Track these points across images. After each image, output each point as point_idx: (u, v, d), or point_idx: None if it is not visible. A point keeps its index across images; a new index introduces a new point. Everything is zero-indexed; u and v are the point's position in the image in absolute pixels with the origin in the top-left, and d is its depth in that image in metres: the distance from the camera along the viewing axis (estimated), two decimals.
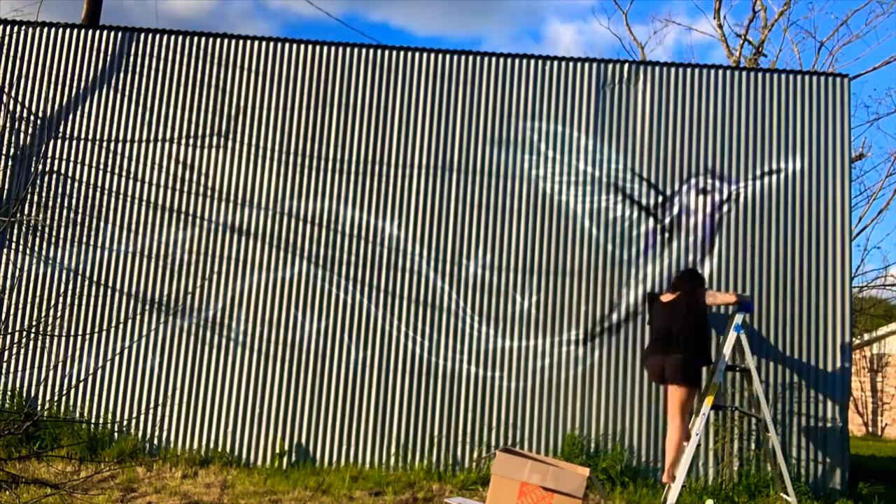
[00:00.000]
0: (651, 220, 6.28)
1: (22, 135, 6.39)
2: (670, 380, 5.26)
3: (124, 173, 6.39)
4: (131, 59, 6.56)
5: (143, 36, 6.60)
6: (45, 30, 6.60)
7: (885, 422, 15.91)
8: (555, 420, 5.98)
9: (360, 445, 5.99)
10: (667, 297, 5.57)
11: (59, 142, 6.41)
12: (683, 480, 5.15)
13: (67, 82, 6.52)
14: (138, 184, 6.37)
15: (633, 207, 6.28)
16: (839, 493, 5.81)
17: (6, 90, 6.42)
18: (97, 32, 6.62)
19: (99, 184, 6.37)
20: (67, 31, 6.61)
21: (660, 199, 6.30)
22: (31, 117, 6.43)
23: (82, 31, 6.63)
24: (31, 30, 6.57)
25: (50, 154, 6.37)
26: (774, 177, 6.32)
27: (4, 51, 6.55)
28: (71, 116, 6.47)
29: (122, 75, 6.54)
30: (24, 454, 4.60)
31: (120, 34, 6.60)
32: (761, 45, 16.00)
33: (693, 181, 6.32)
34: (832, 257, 6.19)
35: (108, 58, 6.58)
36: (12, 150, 6.37)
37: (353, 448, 5.99)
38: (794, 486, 5.69)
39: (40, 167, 5.97)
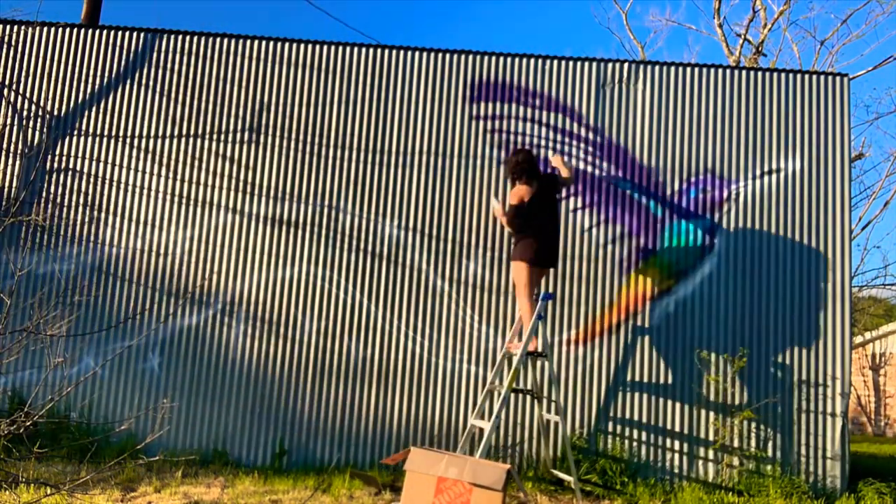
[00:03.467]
0: (651, 220, 6.27)
1: (26, 133, 6.38)
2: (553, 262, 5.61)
3: (124, 173, 6.39)
4: (131, 59, 6.56)
5: (142, 36, 6.60)
6: (45, 29, 6.60)
7: (885, 420, 15.90)
8: (554, 420, 5.97)
9: (360, 445, 5.99)
10: (529, 187, 5.56)
11: (60, 140, 6.41)
12: (482, 457, 4.93)
13: (70, 82, 6.51)
14: (138, 184, 6.37)
15: (632, 207, 6.28)
16: (839, 493, 5.81)
17: (12, 87, 6.42)
18: (97, 32, 6.62)
19: (99, 183, 6.37)
20: (68, 30, 6.61)
21: (660, 198, 6.31)
22: (37, 115, 6.43)
23: (88, 31, 6.63)
24: (36, 29, 6.56)
25: (53, 153, 6.37)
26: (774, 176, 6.32)
27: (13, 50, 6.54)
28: (71, 116, 6.47)
29: (121, 75, 6.54)
30: (24, 454, 4.60)
31: (119, 34, 6.60)
32: (761, 44, 15.99)
33: (693, 181, 6.32)
34: (832, 257, 6.19)
35: (108, 58, 6.57)
36: (19, 147, 6.36)
37: (353, 448, 5.99)
38: (795, 484, 5.71)
39: (38, 165, 5.95)
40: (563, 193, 6.25)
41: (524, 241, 5.54)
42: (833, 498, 5.74)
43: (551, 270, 6.13)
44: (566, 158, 6.31)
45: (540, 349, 5.39)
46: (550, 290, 6.15)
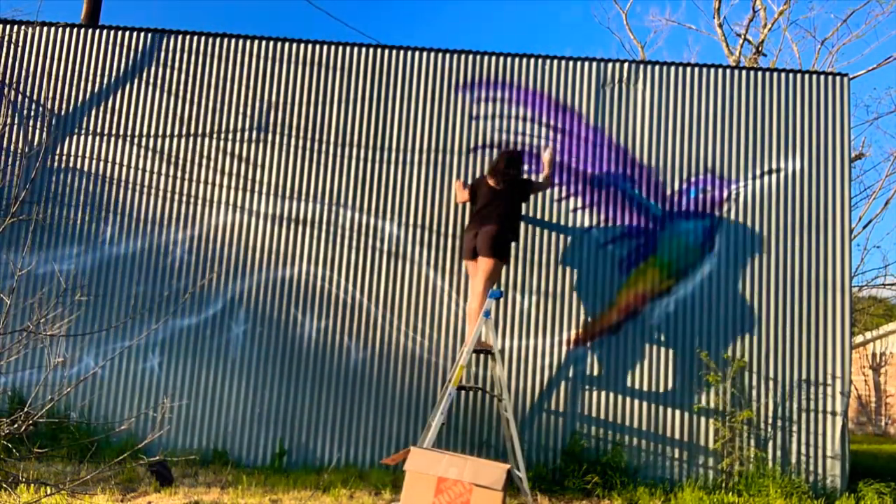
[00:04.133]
0: (651, 220, 6.27)
1: (27, 132, 6.39)
2: (482, 252, 5.51)
3: (123, 172, 6.39)
4: (131, 58, 6.56)
5: (143, 35, 6.60)
6: (46, 29, 6.60)
7: (885, 420, 15.90)
8: (554, 420, 5.98)
9: (360, 445, 5.99)
10: (492, 182, 5.71)
11: (61, 140, 6.42)
12: (430, 446, 4.90)
13: (70, 82, 6.52)
14: (138, 183, 6.37)
15: (632, 207, 6.28)
16: (839, 493, 5.81)
17: (12, 87, 6.42)
18: (97, 32, 6.62)
19: (99, 182, 6.38)
20: (69, 30, 6.61)
21: (660, 198, 6.30)
22: (37, 115, 6.43)
23: (88, 31, 6.63)
24: (36, 29, 6.56)
25: (53, 152, 6.37)
26: (774, 176, 6.32)
27: (13, 50, 6.55)
28: (71, 115, 6.47)
29: (121, 74, 6.54)
30: (24, 454, 4.60)
31: (120, 34, 6.61)
32: (761, 44, 15.99)
33: (693, 181, 6.32)
34: (832, 256, 6.19)
35: (109, 57, 6.57)
36: (19, 147, 6.37)
37: (353, 447, 5.99)
38: (795, 484, 5.71)
39: (38, 165, 5.95)
40: (551, 193, 6.26)
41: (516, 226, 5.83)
42: (833, 498, 5.74)
43: (551, 271, 6.14)
44: (567, 157, 6.31)
45: (490, 347, 5.42)
46: (550, 289, 6.15)
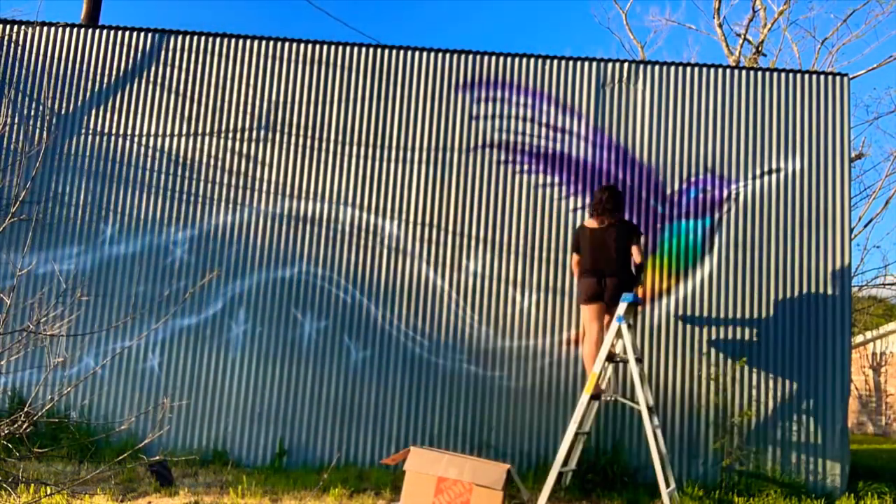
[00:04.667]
0: (651, 220, 6.27)
1: (27, 132, 6.39)
2: (613, 301, 5.34)
3: (124, 172, 6.39)
4: (131, 58, 6.56)
5: (142, 35, 6.60)
6: (46, 29, 6.60)
7: (885, 420, 15.90)
8: (554, 420, 5.98)
9: (359, 445, 5.99)
10: (594, 224, 5.53)
11: (61, 139, 6.42)
12: (560, 468, 4.95)
13: (70, 82, 6.52)
14: (138, 183, 6.38)
15: (632, 207, 6.28)
16: (839, 493, 5.80)
17: (12, 86, 6.42)
18: (98, 32, 6.62)
19: (99, 182, 6.38)
20: (69, 30, 6.61)
21: (659, 198, 6.30)
22: (37, 114, 6.43)
23: (88, 31, 6.63)
24: (36, 29, 6.56)
25: (54, 152, 6.37)
26: (774, 176, 6.32)
27: (13, 50, 6.55)
28: (71, 115, 6.47)
29: (122, 74, 6.54)
30: (24, 454, 4.59)
31: (121, 34, 6.61)
32: (761, 44, 15.99)
33: (693, 180, 6.32)
34: (832, 256, 6.19)
35: (109, 57, 6.58)
36: (20, 146, 6.36)
37: (353, 447, 5.99)
38: (795, 484, 5.71)
39: (38, 164, 5.95)
40: (552, 192, 6.25)
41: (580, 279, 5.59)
42: (833, 498, 5.74)
43: (551, 271, 6.14)
44: (566, 157, 6.31)
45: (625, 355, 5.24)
46: (550, 289, 6.15)
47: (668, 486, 4.93)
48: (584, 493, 5.55)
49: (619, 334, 5.17)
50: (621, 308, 5.18)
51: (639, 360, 5.28)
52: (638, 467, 5.88)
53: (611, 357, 5.27)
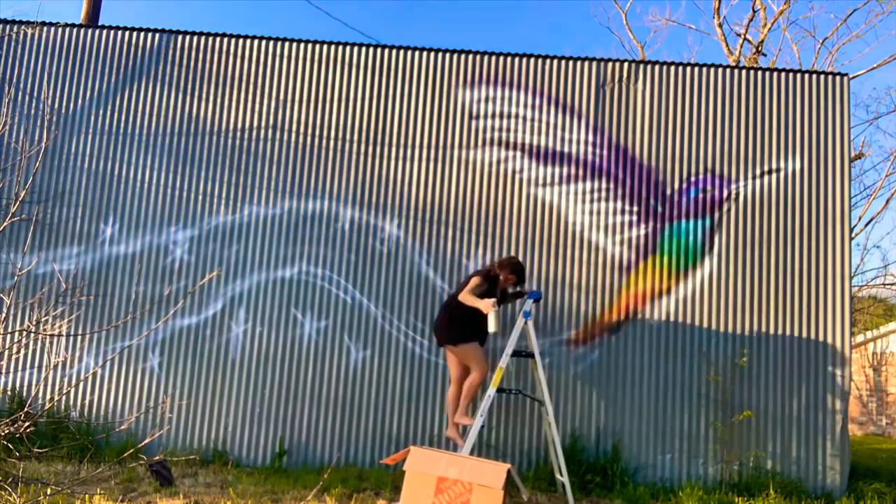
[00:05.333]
0: (651, 220, 6.27)
1: (27, 132, 6.39)
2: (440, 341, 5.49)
3: (124, 172, 6.39)
4: (132, 58, 6.56)
5: (142, 35, 6.60)
6: (46, 29, 6.60)
7: (886, 420, 15.89)
8: (555, 420, 5.97)
9: (359, 445, 5.99)
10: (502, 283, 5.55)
11: (61, 139, 6.42)
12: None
13: (71, 82, 6.52)
14: (138, 183, 6.38)
15: (632, 207, 6.28)
16: (839, 493, 5.80)
17: (12, 86, 6.42)
18: (98, 32, 6.62)
19: (99, 182, 6.38)
20: (69, 30, 6.62)
21: (659, 198, 6.30)
22: (37, 114, 6.43)
23: (88, 31, 6.63)
24: (36, 29, 6.56)
25: (54, 151, 6.37)
26: (774, 176, 6.32)
27: (13, 49, 6.55)
28: (71, 114, 6.47)
29: (122, 74, 6.55)
30: (24, 454, 4.59)
31: (121, 34, 6.61)
32: (761, 44, 15.98)
33: (693, 180, 6.32)
34: (832, 256, 6.19)
35: (109, 57, 6.58)
36: (20, 146, 6.37)
37: (353, 447, 5.99)
38: (795, 485, 5.71)
39: (38, 164, 5.95)
40: (551, 192, 6.28)
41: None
42: (833, 498, 5.74)
43: (551, 271, 6.16)
44: (566, 157, 6.32)
45: (530, 348, 5.41)
46: (550, 289, 6.14)
47: (562, 474, 5.18)
48: (584, 493, 5.55)
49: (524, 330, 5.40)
50: (528, 304, 5.37)
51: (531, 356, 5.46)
52: (638, 467, 5.88)
53: (516, 352, 5.47)
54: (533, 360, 5.43)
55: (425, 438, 5.98)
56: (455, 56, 6.51)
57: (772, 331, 6.08)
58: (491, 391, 5.17)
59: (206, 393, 6.07)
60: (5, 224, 4.42)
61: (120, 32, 6.62)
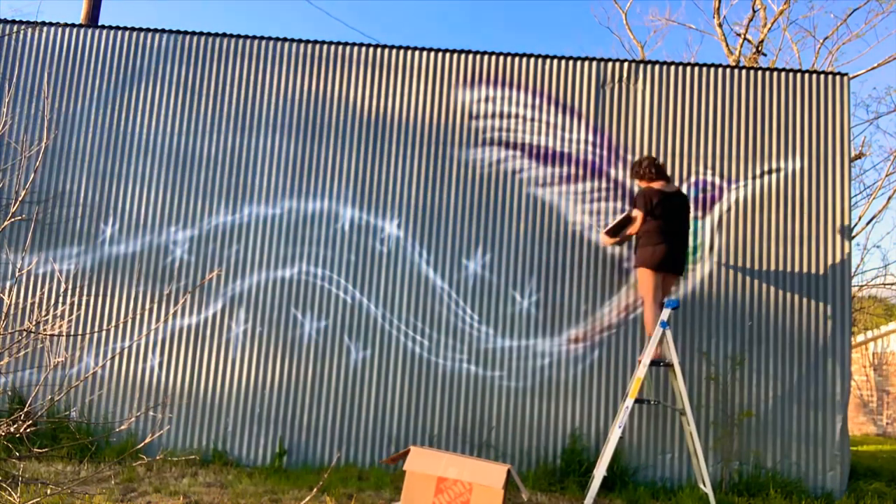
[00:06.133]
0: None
1: (27, 132, 6.39)
2: (679, 270, 5.55)
3: (124, 171, 6.40)
4: (131, 58, 6.57)
5: (142, 35, 6.61)
6: (46, 29, 6.61)
7: (886, 420, 15.89)
8: (554, 420, 5.98)
9: (359, 445, 5.99)
10: (664, 187, 5.57)
11: (61, 139, 6.42)
12: (605, 472, 5.09)
13: (71, 81, 6.52)
14: (138, 183, 6.38)
15: (632, 206, 6.27)
16: (839, 493, 5.81)
17: (12, 85, 6.42)
18: (97, 32, 6.63)
19: (99, 182, 6.38)
20: (69, 30, 6.62)
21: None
22: (37, 114, 6.44)
23: (88, 31, 6.64)
24: (36, 29, 6.57)
25: (53, 151, 6.37)
26: (774, 175, 6.32)
27: (13, 49, 6.55)
28: (71, 114, 6.47)
29: (122, 74, 6.55)
30: (24, 454, 4.59)
31: (120, 34, 6.62)
32: (760, 43, 15.98)
33: (692, 180, 6.32)
34: (832, 256, 6.19)
35: (109, 57, 6.58)
36: (20, 146, 6.37)
37: (353, 447, 5.99)
38: (795, 485, 5.71)
39: (38, 164, 5.95)
40: (551, 192, 6.27)
41: (647, 246, 5.47)
42: (833, 498, 5.74)
43: (551, 271, 6.15)
44: (566, 157, 6.32)
45: (668, 358, 5.31)
46: (550, 289, 6.15)
47: (705, 485, 5.19)
48: (584, 493, 5.54)
49: (662, 338, 5.29)
50: (665, 314, 5.29)
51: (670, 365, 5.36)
52: (638, 467, 5.88)
53: (655, 362, 5.33)
54: (672, 369, 5.35)
55: (425, 438, 5.98)
56: (455, 56, 6.51)
57: (772, 330, 6.08)
58: (629, 402, 5.14)
59: (206, 393, 6.07)
60: (5, 224, 4.41)
61: (120, 32, 6.62)
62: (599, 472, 5.09)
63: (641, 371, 5.22)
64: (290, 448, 5.99)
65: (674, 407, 5.74)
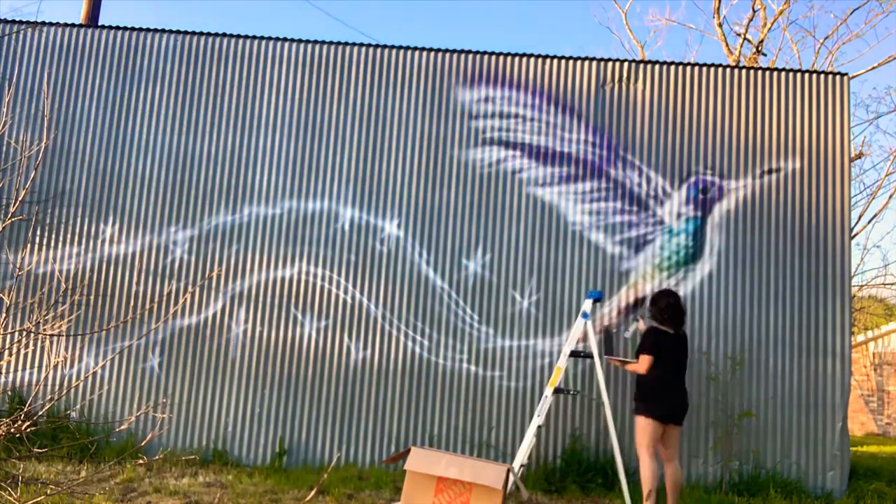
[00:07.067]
0: (651, 220, 6.27)
1: (27, 132, 6.39)
2: (680, 420, 5.00)
3: (124, 171, 6.40)
4: (130, 58, 6.57)
5: (142, 35, 6.61)
6: (46, 29, 6.61)
7: (886, 420, 15.89)
8: (554, 419, 5.98)
9: (359, 445, 5.99)
10: (669, 330, 5.08)
11: (61, 139, 6.42)
12: (523, 461, 5.19)
13: (71, 81, 6.52)
14: (138, 183, 6.38)
15: (632, 207, 6.28)
16: (839, 493, 5.80)
17: (12, 85, 6.42)
18: (97, 32, 6.62)
19: (99, 182, 6.38)
20: (69, 30, 6.62)
21: (659, 198, 6.30)
22: (37, 114, 6.44)
23: (88, 31, 6.63)
24: (36, 29, 6.57)
25: (53, 151, 6.37)
26: (774, 175, 6.32)
27: (13, 50, 6.55)
28: (71, 114, 6.47)
29: (121, 74, 6.55)
30: (24, 454, 4.60)
31: (119, 33, 6.62)
32: (760, 43, 15.97)
33: (692, 180, 6.32)
34: (832, 256, 6.19)
35: (109, 57, 6.58)
36: (20, 146, 6.37)
37: (353, 447, 5.99)
38: (795, 485, 5.71)
39: (38, 164, 5.95)
40: (551, 192, 6.28)
41: (653, 394, 4.95)
42: (833, 498, 5.74)
43: (551, 271, 6.16)
44: (566, 157, 6.32)
45: (588, 349, 5.47)
46: (550, 289, 6.15)
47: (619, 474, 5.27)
48: (584, 493, 5.55)
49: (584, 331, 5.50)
50: (587, 304, 5.47)
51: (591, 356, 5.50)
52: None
53: (574, 353, 5.53)
54: (593, 360, 5.47)
55: (425, 438, 5.98)
56: (455, 56, 6.51)
57: (771, 331, 6.08)
58: (548, 391, 5.27)
59: (206, 393, 6.07)
60: (5, 224, 4.42)
61: (120, 32, 6.62)
62: (518, 462, 5.17)
63: (562, 361, 5.37)
64: (290, 448, 5.99)
65: (591, 397, 5.90)
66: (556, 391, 5.41)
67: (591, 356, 5.46)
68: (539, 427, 5.29)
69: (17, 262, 6.17)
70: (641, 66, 6.52)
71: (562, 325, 6.11)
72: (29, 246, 6.20)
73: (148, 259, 6.25)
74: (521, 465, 5.21)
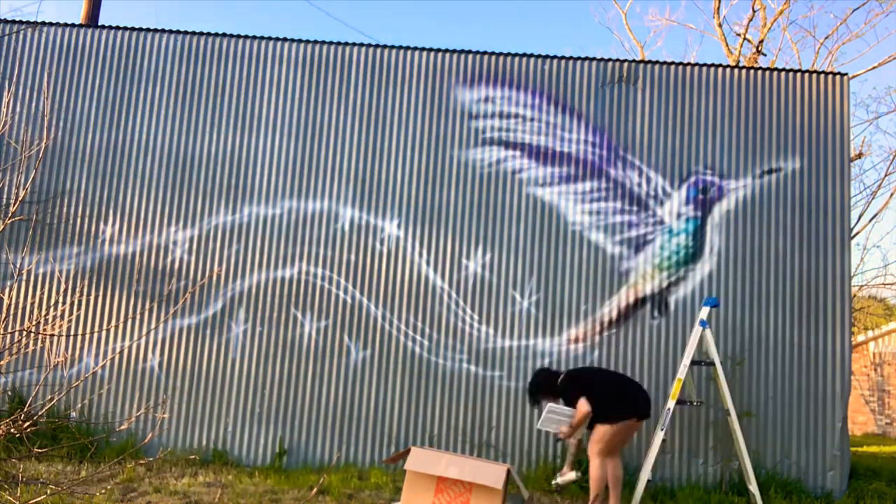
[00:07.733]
0: (651, 220, 6.27)
1: (27, 132, 6.39)
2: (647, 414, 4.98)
3: (124, 171, 6.40)
4: (130, 58, 6.57)
5: (142, 35, 6.61)
6: (46, 29, 6.61)
7: (886, 420, 15.89)
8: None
9: (359, 445, 5.99)
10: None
11: (61, 139, 6.42)
12: (649, 476, 5.18)
13: (71, 82, 6.52)
14: (138, 183, 6.38)
15: (632, 206, 6.28)
16: (839, 493, 5.80)
17: (12, 85, 6.42)
18: (97, 32, 6.63)
19: (100, 182, 6.38)
20: (69, 30, 6.62)
21: (659, 198, 6.30)
22: (37, 114, 6.44)
23: (88, 31, 6.64)
24: (36, 29, 6.57)
25: (53, 152, 6.37)
26: (774, 175, 6.32)
27: (13, 50, 6.55)
28: (71, 115, 6.47)
29: (121, 74, 6.55)
30: (24, 454, 4.59)
31: (119, 33, 6.62)
32: (760, 43, 15.97)
33: (692, 180, 6.32)
34: (831, 256, 6.19)
35: (109, 57, 6.58)
36: (20, 146, 6.37)
37: (353, 447, 5.99)
38: (795, 485, 5.71)
39: (38, 164, 5.96)
40: (551, 192, 6.27)
41: (611, 404, 4.78)
42: (833, 498, 5.74)
43: (551, 271, 6.16)
44: (566, 157, 6.32)
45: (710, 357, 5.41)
46: (550, 289, 6.15)
47: (750, 482, 5.26)
48: (584, 493, 5.54)
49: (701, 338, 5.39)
50: (704, 312, 5.37)
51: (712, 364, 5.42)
52: (637, 467, 5.87)
53: (696, 362, 5.41)
54: (714, 368, 5.40)
55: (425, 438, 5.98)
56: (455, 56, 6.51)
57: (771, 330, 6.08)
58: (670, 403, 5.22)
59: (206, 393, 6.07)
60: (5, 224, 4.42)
61: (120, 32, 6.62)
62: (644, 477, 5.13)
63: (682, 372, 5.27)
64: (290, 448, 5.99)
65: (699, 404, 5.69)
66: (679, 402, 5.34)
67: (712, 363, 5.38)
68: (664, 441, 5.23)
69: (17, 262, 6.17)
70: (641, 66, 6.53)
71: (562, 325, 6.11)
72: (29, 246, 6.20)
73: (148, 259, 6.25)
74: (648, 480, 5.10)
